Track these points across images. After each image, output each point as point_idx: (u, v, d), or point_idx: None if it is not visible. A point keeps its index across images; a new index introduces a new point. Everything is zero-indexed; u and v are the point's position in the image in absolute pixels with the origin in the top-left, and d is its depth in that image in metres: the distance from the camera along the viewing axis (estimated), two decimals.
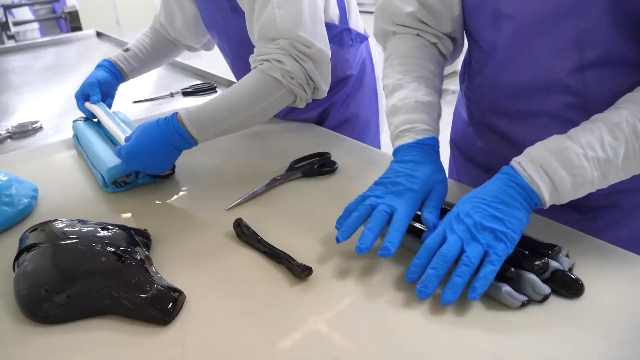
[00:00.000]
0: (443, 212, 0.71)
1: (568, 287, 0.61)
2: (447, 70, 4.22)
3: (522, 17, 0.70)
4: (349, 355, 0.56)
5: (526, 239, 0.67)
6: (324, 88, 1.00)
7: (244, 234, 0.76)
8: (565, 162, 0.61)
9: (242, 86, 0.94)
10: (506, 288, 0.60)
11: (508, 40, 0.74)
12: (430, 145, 0.74)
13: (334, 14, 1.12)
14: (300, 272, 0.67)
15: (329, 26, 1.10)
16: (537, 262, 0.61)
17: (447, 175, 1.03)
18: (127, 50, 1.24)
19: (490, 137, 0.88)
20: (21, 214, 0.86)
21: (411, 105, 0.76)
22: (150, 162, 0.90)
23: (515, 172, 0.64)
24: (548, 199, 0.63)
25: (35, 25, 3.59)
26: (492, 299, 0.62)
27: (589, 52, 0.68)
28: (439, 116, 0.79)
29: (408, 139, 0.74)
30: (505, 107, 0.81)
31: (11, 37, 3.06)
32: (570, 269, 0.64)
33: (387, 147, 1.33)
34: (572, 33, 0.67)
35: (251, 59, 0.97)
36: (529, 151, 0.65)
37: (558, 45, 0.69)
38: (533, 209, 0.64)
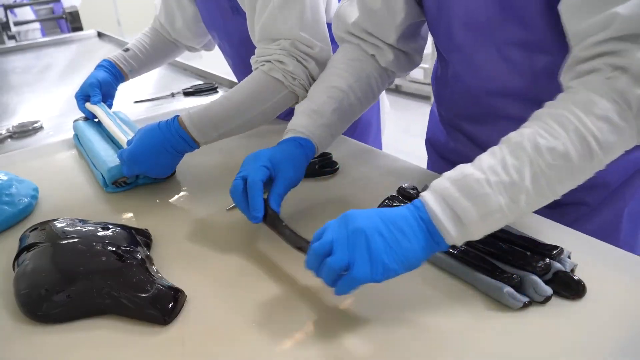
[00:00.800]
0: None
1: (570, 288, 0.61)
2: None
3: (471, 23, 0.73)
4: (350, 355, 0.56)
5: (528, 240, 0.67)
6: None
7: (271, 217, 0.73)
8: (466, 191, 0.55)
9: (243, 88, 0.94)
10: (507, 289, 0.60)
11: (462, 46, 0.77)
12: (300, 145, 0.79)
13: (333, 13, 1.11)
14: None
15: (330, 26, 1.10)
16: (539, 263, 0.61)
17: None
18: (127, 50, 1.24)
19: (460, 138, 0.91)
20: (21, 213, 0.86)
21: (300, 110, 0.83)
22: (152, 165, 0.89)
23: (421, 204, 0.57)
24: (455, 233, 0.56)
25: (37, 25, 3.59)
26: (493, 300, 0.61)
27: (537, 56, 0.69)
28: (330, 124, 0.82)
29: (287, 136, 0.81)
30: (468, 111, 0.84)
31: (12, 37, 3.06)
32: (572, 270, 0.64)
33: (388, 147, 1.33)
34: (519, 37, 0.69)
35: (252, 59, 0.97)
36: (433, 184, 0.59)
37: (507, 50, 0.71)
38: (437, 250, 0.57)
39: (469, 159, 0.80)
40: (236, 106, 0.92)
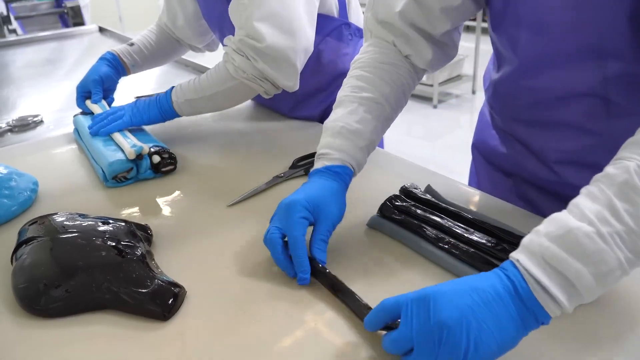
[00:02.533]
0: (456, 216, 0.72)
1: None
2: (452, 73, 4.14)
3: (543, 26, 0.68)
4: (349, 353, 0.55)
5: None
6: (288, 84, 0.99)
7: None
8: (577, 249, 0.46)
9: (211, 70, 1.03)
10: None
11: (528, 49, 0.71)
12: (336, 173, 0.72)
13: (333, 6, 1.11)
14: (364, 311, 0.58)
15: (327, 19, 1.10)
16: None
17: (467, 181, 1.03)
18: (132, 44, 1.23)
19: (512, 144, 0.85)
20: (21, 207, 0.85)
21: (337, 130, 0.74)
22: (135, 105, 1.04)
23: (517, 274, 0.48)
24: (568, 303, 0.47)
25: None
26: None
27: (610, 64, 0.64)
28: (369, 144, 0.76)
29: (319, 165, 0.73)
30: (525, 116, 0.79)
31: (13, 30, 3.05)
32: None
33: (390, 148, 1.32)
34: (593, 43, 0.65)
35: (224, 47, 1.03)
36: (526, 243, 0.50)
37: (578, 56, 0.66)
38: (534, 328, 0.49)
39: (520, 166, 0.76)
40: (200, 82, 1.03)
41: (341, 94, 0.79)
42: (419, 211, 0.74)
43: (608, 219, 0.47)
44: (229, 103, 1.09)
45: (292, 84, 1.00)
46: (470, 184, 1.01)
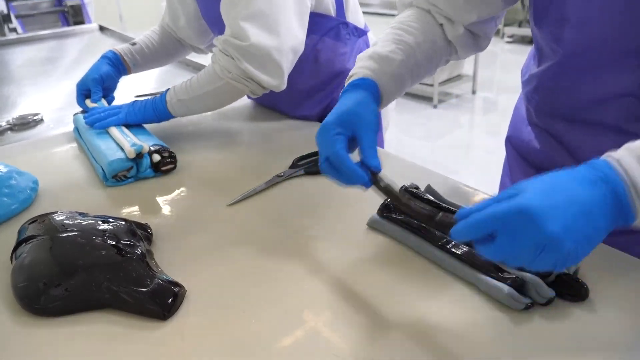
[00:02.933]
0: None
1: (573, 290, 0.60)
2: (452, 73, 4.13)
3: (588, 25, 0.67)
4: (349, 353, 0.55)
5: None
6: (273, 83, 1.00)
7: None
8: None
9: (203, 70, 1.05)
10: (509, 290, 0.59)
11: (572, 46, 0.70)
12: (358, 85, 0.71)
13: (330, 6, 1.10)
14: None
15: (324, 18, 1.09)
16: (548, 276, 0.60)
17: (500, 176, 1.02)
18: (134, 44, 1.23)
19: (547, 140, 0.84)
20: (21, 205, 0.85)
21: (367, 54, 0.76)
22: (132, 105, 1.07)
23: (614, 175, 0.48)
24: None
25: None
26: (494, 301, 0.61)
27: None
28: (397, 75, 0.75)
29: (346, 84, 0.73)
30: (563, 112, 0.78)
31: (13, 29, 3.05)
32: (575, 272, 0.63)
33: (389, 145, 1.32)
34: (638, 45, 0.64)
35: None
36: (630, 146, 0.50)
37: (622, 56, 0.66)
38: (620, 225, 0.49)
39: (553, 163, 0.75)
40: (191, 82, 1.04)
41: (378, 38, 0.80)
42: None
43: None
44: (219, 103, 1.09)
45: (277, 83, 1.00)
46: (503, 178, 1.00)
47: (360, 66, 0.75)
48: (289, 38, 0.97)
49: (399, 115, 3.84)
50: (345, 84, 0.74)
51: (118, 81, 1.21)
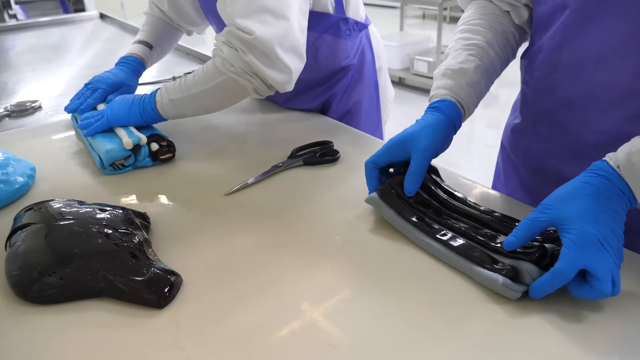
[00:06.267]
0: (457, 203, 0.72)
1: None
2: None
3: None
4: (345, 344, 0.55)
5: (513, 220, 0.67)
6: (279, 79, 0.94)
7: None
8: None
9: (198, 68, 0.99)
10: (504, 280, 0.59)
11: (577, 4, 0.68)
12: (435, 108, 0.75)
13: (329, 3, 1.08)
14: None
15: (323, 16, 1.07)
16: (536, 254, 0.60)
17: (493, 175, 1.01)
18: (150, 46, 1.21)
19: (542, 133, 0.82)
20: (17, 192, 0.85)
21: (441, 72, 0.78)
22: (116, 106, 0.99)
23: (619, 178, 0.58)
24: None
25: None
26: (490, 294, 0.61)
27: None
28: (474, 82, 0.77)
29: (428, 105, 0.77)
30: (565, 91, 0.75)
31: (13, 15, 3.03)
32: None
33: (389, 136, 1.31)
34: None
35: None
36: (630, 150, 0.58)
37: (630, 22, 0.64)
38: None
39: (548, 157, 0.76)
40: (186, 80, 0.98)
41: (448, 48, 0.83)
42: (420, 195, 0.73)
43: None
44: (218, 103, 1.03)
45: (283, 80, 0.95)
46: (495, 176, 1.01)
47: (437, 86, 0.77)
48: (293, 35, 0.93)
49: (400, 107, 3.83)
50: (430, 98, 0.78)
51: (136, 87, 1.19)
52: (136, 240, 0.67)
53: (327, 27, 1.09)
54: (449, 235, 0.67)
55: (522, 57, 0.86)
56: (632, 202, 0.58)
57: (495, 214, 0.70)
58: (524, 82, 0.86)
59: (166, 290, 0.61)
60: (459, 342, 0.55)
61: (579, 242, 0.55)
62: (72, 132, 1.12)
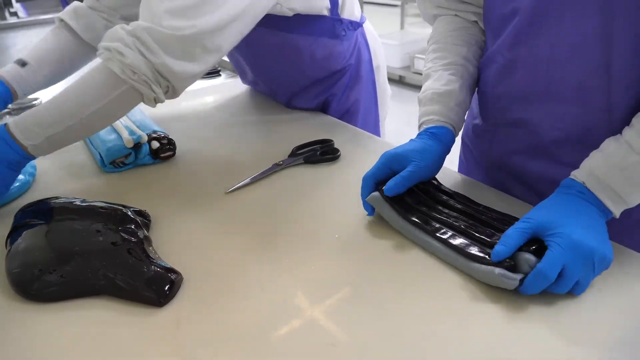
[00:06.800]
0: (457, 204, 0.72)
1: None
2: None
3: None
4: (345, 342, 0.55)
5: (511, 218, 0.67)
6: (179, 84, 0.84)
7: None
8: (635, 179, 0.60)
9: (77, 83, 0.80)
10: (499, 270, 0.59)
11: (532, 2, 0.68)
12: (432, 134, 0.76)
13: (323, 6, 1.06)
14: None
15: (319, 19, 1.05)
16: (533, 246, 0.60)
17: (458, 168, 1.02)
18: (24, 64, 1.05)
19: (503, 132, 0.83)
20: (19, 190, 0.85)
21: (428, 97, 0.79)
22: None
23: (584, 188, 0.62)
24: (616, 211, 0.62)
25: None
26: (491, 288, 0.61)
27: (616, 22, 0.62)
28: (461, 102, 0.79)
29: (421, 130, 0.78)
30: (522, 89, 0.75)
31: (14, 13, 3.03)
32: None
33: (389, 136, 1.32)
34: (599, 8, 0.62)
35: (100, 44, 0.81)
36: (590, 165, 0.63)
37: (583, 11, 0.64)
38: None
39: (508, 154, 0.78)
40: (65, 104, 0.78)
41: (425, 68, 0.84)
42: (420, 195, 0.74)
43: None
44: (107, 123, 0.85)
45: (186, 85, 0.85)
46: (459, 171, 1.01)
47: (428, 112, 0.78)
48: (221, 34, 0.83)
49: (400, 105, 3.83)
50: (418, 129, 0.79)
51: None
52: (136, 238, 0.67)
53: (322, 30, 1.08)
54: (449, 233, 0.67)
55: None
56: (606, 213, 0.62)
57: (494, 212, 0.70)
58: (481, 84, 0.86)
59: (166, 288, 0.61)
60: (459, 341, 0.55)
61: (563, 245, 0.57)
62: None
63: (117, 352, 0.55)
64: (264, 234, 0.74)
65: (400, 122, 3.57)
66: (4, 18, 2.90)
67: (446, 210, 0.72)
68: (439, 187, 0.77)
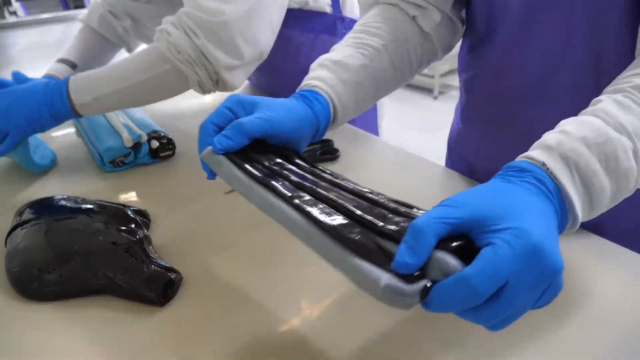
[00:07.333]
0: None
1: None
2: (453, 65, 4.13)
3: None
4: (346, 342, 0.55)
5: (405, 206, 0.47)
6: (230, 63, 0.85)
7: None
8: (611, 164, 0.43)
9: (131, 56, 0.88)
10: (388, 280, 0.39)
11: (520, 8, 0.66)
12: (302, 95, 0.63)
13: (325, 3, 1.08)
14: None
15: (321, 15, 1.07)
16: (457, 241, 0.39)
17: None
18: (74, 65, 1.12)
19: (491, 136, 0.82)
20: (41, 166, 0.92)
21: (318, 63, 0.67)
22: (16, 111, 0.81)
23: (544, 174, 0.43)
24: (581, 216, 0.44)
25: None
26: None
27: (605, 27, 0.60)
28: (356, 83, 0.66)
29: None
30: (513, 90, 0.73)
31: (13, 12, 3.03)
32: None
33: (387, 135, 1.32)
34: (586, 11, 0.61)
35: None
36: (552, 143, 0.45)
37: (569, 22, 0.62)
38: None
39: (495, 164, 0.73)
40: (114, 70, 0.85)
41: (337, 44, 0.72)
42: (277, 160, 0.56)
43: None
44: (147, 99, 0.90)
45: (234, 64, 0.85)
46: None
47: (308, 77, 0.66)
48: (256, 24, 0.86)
49: (398, 105, 3.83)
50: (300, 87, 0.66)
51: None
52: (136, 237, 0.67)
53: (324, 27, 1.09)
54: (320, 206, 0.45)
55: (462, 69, 0.85)
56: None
57: (401, 205, 0.47)
58: (468, 90, 0.84)
59: (166, 287, 0.61)
60: (459, 340, 0.55)
61: (515, 245, 0.37)
62: (72, 129, 1.12)
63: (118, 352, 0.55)
64: (264, 234, 0.74)
65: (399, 122, 3.57)
66: (4, 17, 2.90)
67: (323, 184, 0.51)
68: (311, 163, 0.58)
